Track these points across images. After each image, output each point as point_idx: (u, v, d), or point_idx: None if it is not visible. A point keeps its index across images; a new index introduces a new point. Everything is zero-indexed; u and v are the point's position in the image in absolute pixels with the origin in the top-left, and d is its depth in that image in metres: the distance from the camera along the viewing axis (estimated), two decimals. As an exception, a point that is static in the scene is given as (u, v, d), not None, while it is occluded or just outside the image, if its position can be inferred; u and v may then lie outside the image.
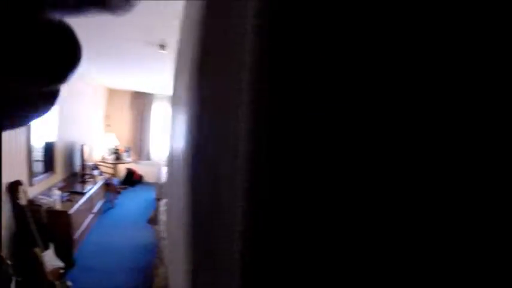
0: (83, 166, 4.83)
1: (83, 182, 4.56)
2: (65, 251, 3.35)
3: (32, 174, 3.31)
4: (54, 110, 3.90)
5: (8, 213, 2.87)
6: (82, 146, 4.92)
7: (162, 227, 3.31)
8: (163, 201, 4.07)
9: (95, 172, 5.32)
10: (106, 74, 5.57)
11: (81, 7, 0.17)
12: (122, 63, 4.44)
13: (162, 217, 3.53)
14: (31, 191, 3.25)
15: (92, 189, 4.40)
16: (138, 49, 3.58)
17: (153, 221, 4.23)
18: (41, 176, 3.57)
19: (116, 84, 7.13)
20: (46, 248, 3.08)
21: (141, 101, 7.99)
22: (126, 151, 6.60)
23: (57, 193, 3.38)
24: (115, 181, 6.06)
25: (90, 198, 4.24)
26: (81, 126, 5.31)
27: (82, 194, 4.01)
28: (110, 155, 6.64)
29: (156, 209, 4.30)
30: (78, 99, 5.01)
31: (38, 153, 3.46)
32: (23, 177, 3.11)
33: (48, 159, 3.85)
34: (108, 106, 7.71)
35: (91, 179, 4.83)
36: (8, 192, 2.81)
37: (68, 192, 3.81)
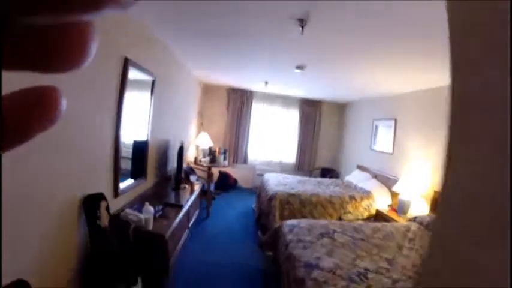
0: (180, 169, 4.00)
1: (178, 189, 3.72)
2: (156, 283, 2.53)
3: (117, 182, 2.52)
4: (147, 103, 3.14)
5: (81, 237, 2.07)
6: (182, 143, 4.08)
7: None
8: (287, 224, 3.07)
9: (193, 177, 4.52)
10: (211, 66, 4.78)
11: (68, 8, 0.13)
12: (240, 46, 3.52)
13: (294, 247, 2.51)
14: (116, 203, 2.49)
15: (190, 199, 3.56)
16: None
17: (268, 245, 3.23)
18: (129, 184, 2.80)
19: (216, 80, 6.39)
20: (133, 282, 2.27)
21: (238, 98, 7.20)
22: (223, 153, 5.77)
23: (150, 209, 2.53)
24: (211, 187, 5.28)
25: (188, 211, 3.40)
26: (175, 123, 4.58)
27: (179, 206, 3.15)
28: (204, 157, 5.91)
29: (272, 231, 3.29)
30: (173, 93, 4.26)
31: (125, 155, 2.69)
32: (105, 187, 2.34)
33: (138, 162, 3.10)
34: (202, 102, 7.05)
35: (187, 186, 4.01)
36: (84, 209, 2.01)
37: (162, 205, 2.97)
